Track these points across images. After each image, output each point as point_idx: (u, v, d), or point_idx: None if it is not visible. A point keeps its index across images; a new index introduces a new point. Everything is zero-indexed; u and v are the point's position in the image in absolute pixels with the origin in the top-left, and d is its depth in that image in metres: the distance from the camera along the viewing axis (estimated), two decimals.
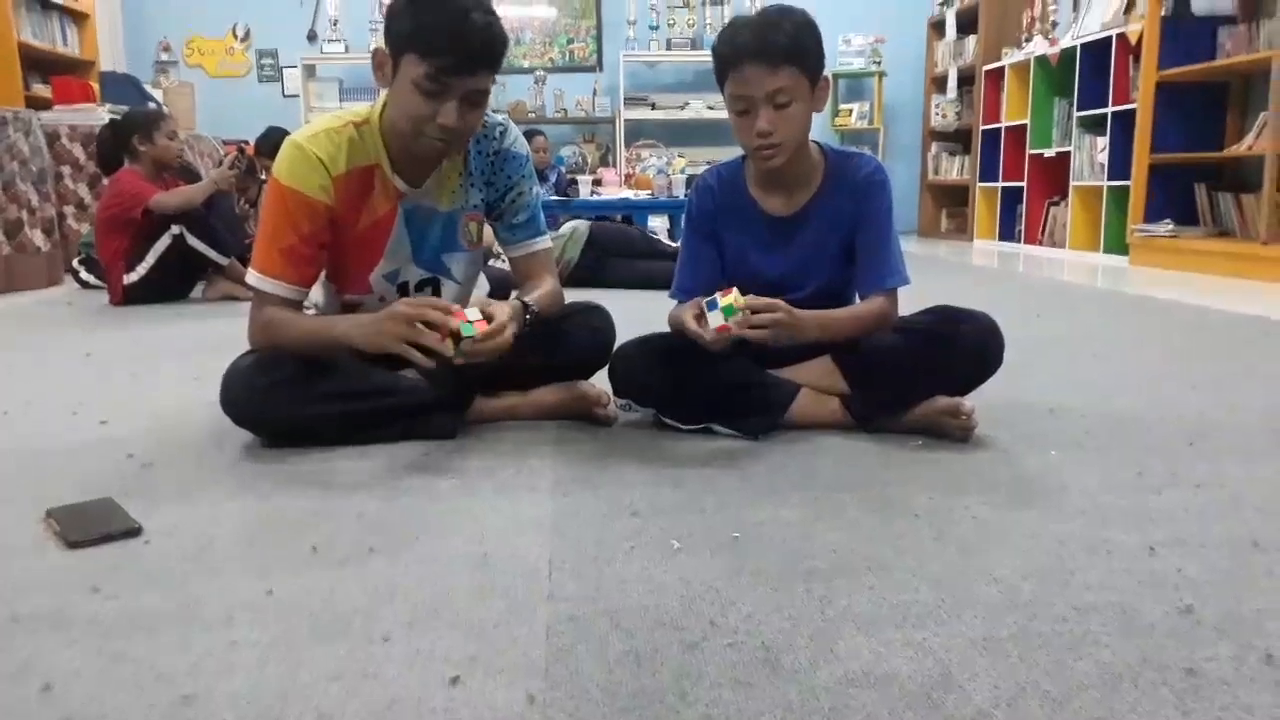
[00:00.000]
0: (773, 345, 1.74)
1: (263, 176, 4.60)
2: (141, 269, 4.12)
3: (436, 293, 1.97)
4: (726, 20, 7.92)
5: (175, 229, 4.11)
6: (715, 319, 1.70)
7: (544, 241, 2.01)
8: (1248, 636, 1.03)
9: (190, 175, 4.68)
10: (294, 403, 1.77)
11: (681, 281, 1.98)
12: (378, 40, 8.02)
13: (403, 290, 1.94)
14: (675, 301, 1.95)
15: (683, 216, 2.10)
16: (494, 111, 1.91)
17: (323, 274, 1.92)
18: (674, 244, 4.93)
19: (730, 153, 2.03)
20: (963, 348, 1.83)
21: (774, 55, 1.74)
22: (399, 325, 1.65)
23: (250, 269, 1.81)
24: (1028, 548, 1.28)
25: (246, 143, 5.91)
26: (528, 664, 0.98)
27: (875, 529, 1.36)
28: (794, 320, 1.74)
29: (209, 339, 3.10)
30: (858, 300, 1.97)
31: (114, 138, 4.24)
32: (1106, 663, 0.97)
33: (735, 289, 1.71)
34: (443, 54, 1.63)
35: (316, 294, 1.98)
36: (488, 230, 2.04)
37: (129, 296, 4.13)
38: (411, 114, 1.70)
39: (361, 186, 1.82)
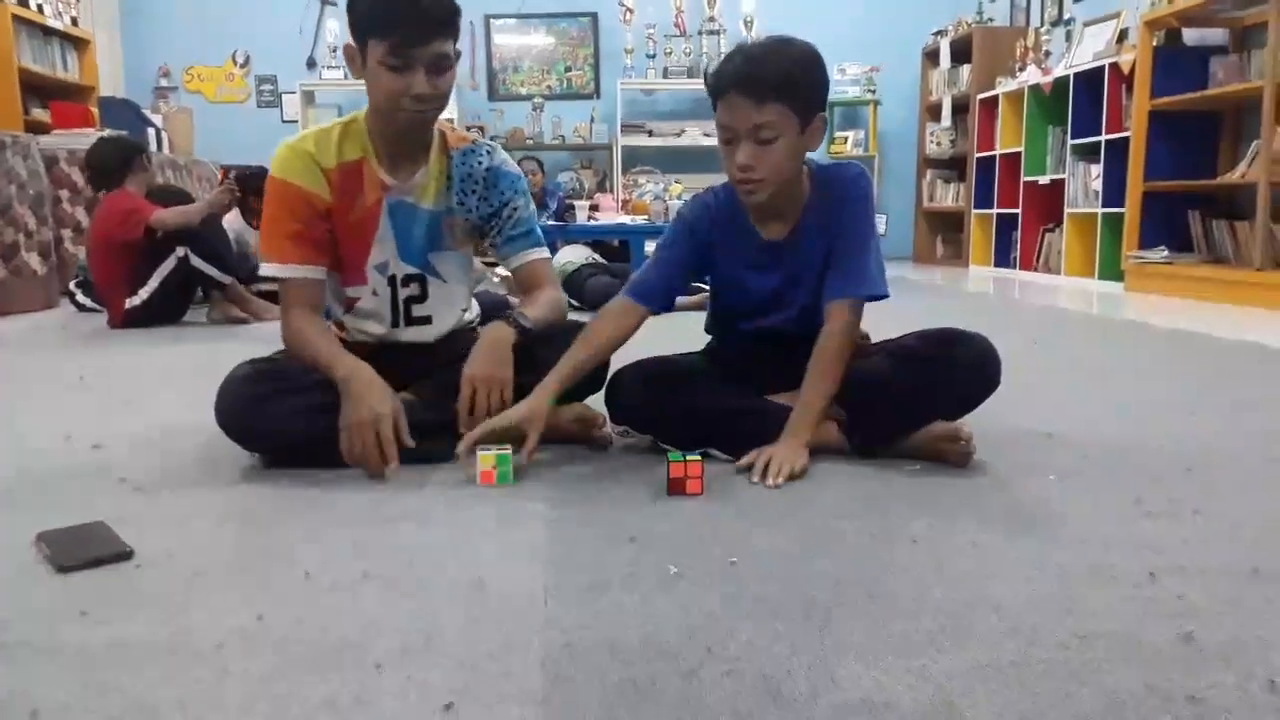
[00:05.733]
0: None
1: (253, 223, 4.68)
2: (144, 292, 4.12)
3: (424, 288, 2.01)
4: (722, 50, 7.90)
5: (180, 250, 4.12)
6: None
7: (543, 252, 2.07)
8: (1250, 664, 1.02)
9: (181, 198, 4.69)
10: (287, 416, 1.77)
11: (646, 279, 1.90)
12: None
13: (391, 284, 1.98)
14: (624, 300, 1.89)
15: (671, 220, 2.05)
16: (491, 138, 1.94)
17: None
18: None
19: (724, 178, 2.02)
20: (960, 368, 1.83)
21: (760, 89, 1.70)
22: (362, 434, 1.72)
23: (263, 263, 1.90)
24: (1028, 574, 1.27)
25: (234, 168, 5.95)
26: (523, 693, 0.97)
27: (874, 556, 1.35)
28: (795, 453, 1.74)
29: (204, 363, 3.06)
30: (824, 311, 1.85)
31: (120, 154, 4.24)
32: (1109, 690, 0.96)
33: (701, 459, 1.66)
34: (399, 29, 1.73)
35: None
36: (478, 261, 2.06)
37: (129, 320, 4.12)
38: (386, 92, 1.80)
39: (352, 178, 1.91)
